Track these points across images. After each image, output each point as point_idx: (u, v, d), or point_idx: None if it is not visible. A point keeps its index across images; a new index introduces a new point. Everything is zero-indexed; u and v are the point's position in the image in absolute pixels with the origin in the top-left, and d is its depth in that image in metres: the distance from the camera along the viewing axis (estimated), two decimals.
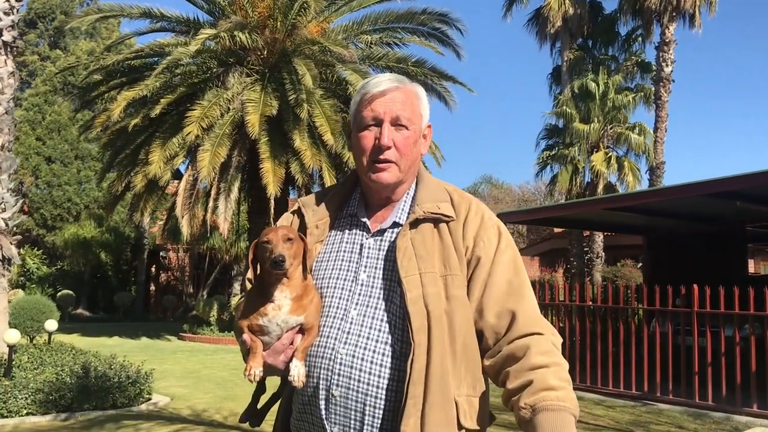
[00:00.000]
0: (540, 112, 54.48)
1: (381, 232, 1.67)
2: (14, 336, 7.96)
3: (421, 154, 1.71)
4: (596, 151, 20.94)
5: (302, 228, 1.73)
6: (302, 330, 1.58)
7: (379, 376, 1.51)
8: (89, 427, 6.90)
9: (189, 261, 27.05)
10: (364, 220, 1.70)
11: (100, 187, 17.55)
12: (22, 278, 23.91)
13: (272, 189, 13.09)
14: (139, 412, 7.76)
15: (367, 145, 1.62)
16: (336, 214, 1.76)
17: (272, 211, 13.88)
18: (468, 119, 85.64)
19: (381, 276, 1.61)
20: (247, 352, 1.58)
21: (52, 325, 10.54)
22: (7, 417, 7.01)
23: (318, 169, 14.15)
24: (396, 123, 1.62)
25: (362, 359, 1.53)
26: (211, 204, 14.10)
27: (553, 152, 21.72)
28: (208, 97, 13.69)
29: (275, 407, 1.81)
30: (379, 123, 1.61)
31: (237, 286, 24.36)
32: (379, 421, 1.51)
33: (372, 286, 1.60)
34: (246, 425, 1.78)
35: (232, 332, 12.33)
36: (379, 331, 1.55)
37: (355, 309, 1.59)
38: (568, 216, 11.59)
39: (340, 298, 1.62)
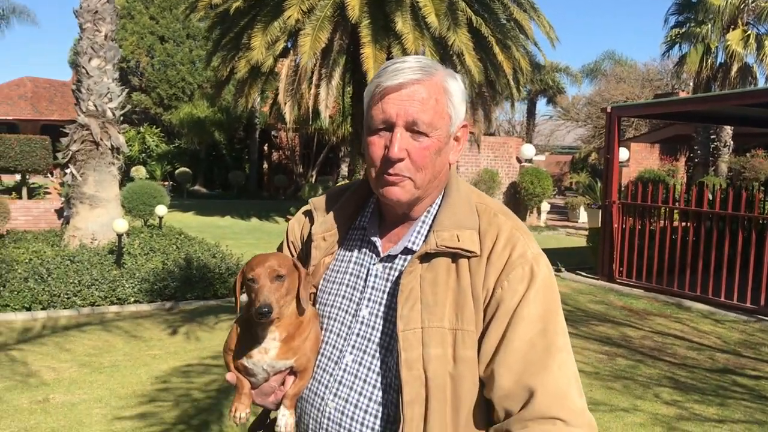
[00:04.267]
0: None
1: (391, 258, 1.35)
2: (122, 226, 8.32)
3: (450, 163, 1.34)
4: (733, 29, 18.83)
5: (311, 235, 1.45)
6: (294, 371, 1.34)
7: None
8: (190, 317, 7.21)
9: (298, 141, 27.44)
10: (375, 239, 1.38)
11: (209, 67, 17.71)
12: (143, 155, 25.15)
13: (372, 76, 12.68)
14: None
15: (375, 154, 1.28)
16: (348, 224, 1.45)
17: None
18: None
19: (383, 316, 1.31)
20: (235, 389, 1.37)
21: (162, 210, 11.01)
22: (115, 304, 7.43)
23: (421, 54, 13.51)
24: (412, 128, 1.25)
25: (352, 419, 1.28)
26: (313, 90, 13.90)
27: (684, 30, 19.75)
28: None
29: None
30: (390, 127, 1.26)
31: (345, 168, 24.60)
32: None
33: (372, 328, 1.32)
34: None
35: None
36: (374, 387, 1.28)
37: (350, 354, 1.32)
38: (688, 111, 10.55)
39: (337, 336, 1.36)
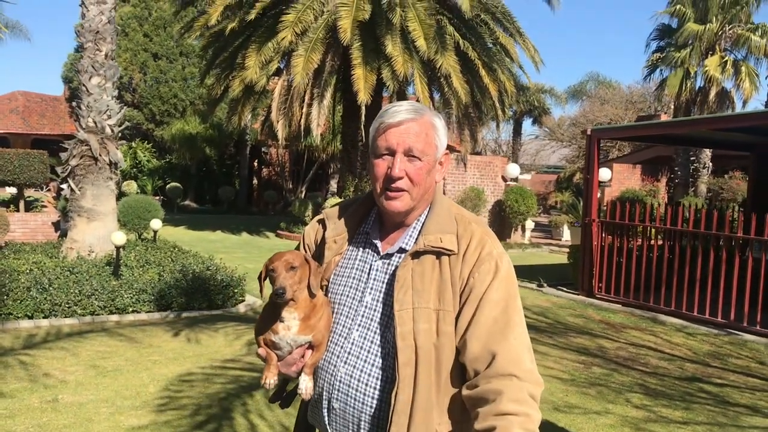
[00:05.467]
0: (653, 11, 50.52)
1: (389, 256, 1.73)
2: (121, 238, 8.62)
3: (436, 182, 1.74)
4: (711, 55, 19.49)
5: (324, 239, 1.83)
6: (312, 346, 1.71)
7: (372, 398, 1.63)
8: (187, 325, 7.52)
9: (288, 157, 27.83)
10: (376, 241, 1.77)
11: (203, 84, 18.13)
12: (134, 170, 25.43)
13: (363, 96, 13.11)
14: (231, 314, 8.34)
15: (380, 173, 1.67)
16: (355, 229, 1.83)
17: (363, 117, 13.96)
18: (574, 19, 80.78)
19: (383, 300, 1.68)
20: (264, 361, 1.73)
21: (156, 224, 11.30)
22: (114, 313, 7.74)
23: (410, 76, 13.96)
24: (409, 154, 1.65)
25: (358, 380, 1.65)
26: (305, 109, 14.31)
27: (664, 54, 20.40)
28: (302, 1, 13.61)
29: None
30: (392, 153, 1.65)
31: (334, 184, 24.96)
32: None
33: (374, 310, 1.69)
34: None
35: None
36: (375, 356, 1.65)
37: (357, 330, 1.70)
38: (666, 134, 11.03)
39: (346, 317, 1.73)
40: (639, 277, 9.87)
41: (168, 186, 24.59)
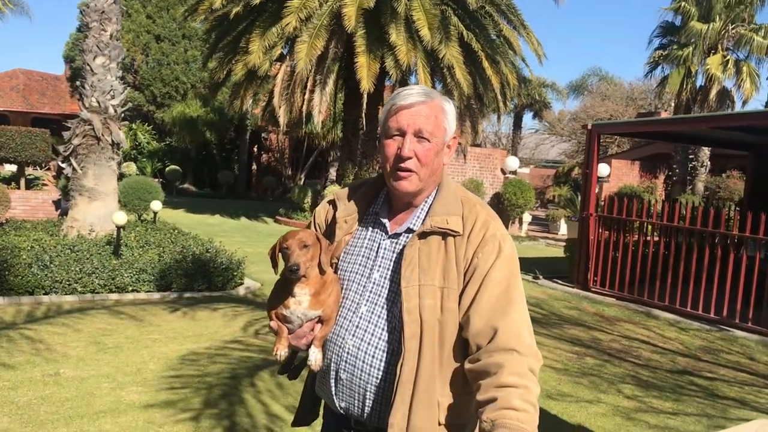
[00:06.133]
0: (657, 7, 50.37)
1: (397, 236, 1.81)
2: (122, 218, 8.68)
3: (443, 164, 1.80)
4: (713, 54, 19.54)
5: (334, 219, 1.90)
6: (321, 320, 1.78)
7: (378, 369, 1.71)
8: (187, 306, 7.60)
9: (288, 144, 27.84)
10: (384, 221, 1.84)
11: (205, 68, 18.13)
12: (134, 151, 25.44)
13: (366, 84, 13.15)
14: (231, 296, 8.42)
15: (390, 153, 1.73)
16: (364, 210, 1.90)
17: (365, 105, 14.00)
18: (578, 13, 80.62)
19: (390, 278, 1.76)
20: (275, 335, 1.81)
21: (157, 205, 11.36)
22: (114, 292, 7.82)
23: (413, 65, 13.99)
24: (418, 135, 1.71)
25: (365, 353, 1.73)
26: (307, 96, 14.34)
27: (666, 52, 20.44)
28: None
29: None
30: (402, 134, 1.72)
31: (333, 172, 25.00)
32: (379, 407, 1.72)
33: (382, 286, 1.77)
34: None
35: None
36: (382, 330, 1.73)
37: (365, 305, 1.77)
38: (666, 131, 11.11)
39: (354, 292, 1.80)
40: (634, 272, 9.97)
41: (167, 169, 24.60)
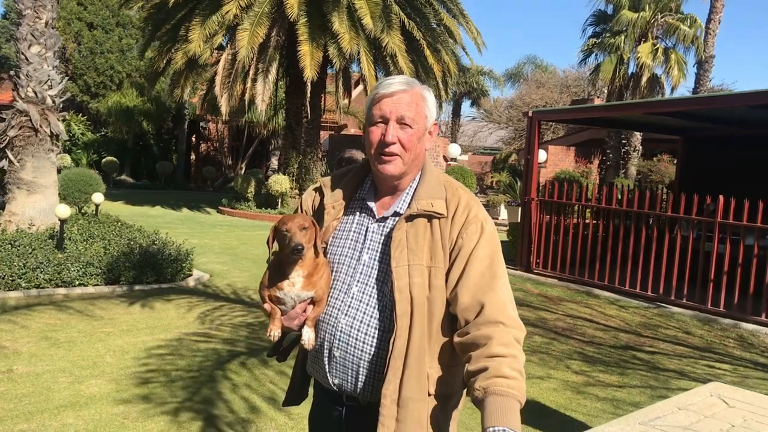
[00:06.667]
0: None
1: (384, 219, 1.90)
2: (65, 211, 8.50)
3: (425, 149, 1.91)
4: (643, 42, 20.24)
5: (321, 205, 1.99)
6: (313, 301, 1.87)
7: (371, 346, 1.81)
8: (138, 298, 7.52)
9: (228, 133, 27.48)
10: (371, 205, 1.93)
11: (142, 57, 17.71)
12: (67, 143, 24.67)
13: (309, 73, 13.14)
14: (181, 287, 8.36)
15: (374, 139, 1.83)
16: (351, 196, 1.99)
17: (309, 93, 13.98)
18: (515, 2, 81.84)
19: (379, 259, 1.86)
20: (268, 316, 1.88)
21: (98, 198, 11.13)
22: (61, 286, 7.66)
23: (356, 54, 14.04)
24: (401, 122, 1.81)
25: (358, 330, 1.82)
26: (249, 84, 14.23)
27: (599, 40, 21.06)
28: None
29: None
30: (386, 121, 1.81)
31: (275, 161, 24.83)
32: (371, 381, 1.82)
33: (372, 267, 1.86)
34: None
35: (269, 209, 12.88)
36: (374, 308, 1.82)
37: (356, 286, 1.86)
38: (603, 117, 11.51)
39: (345, 274, 1.89)
40: (575, 254, 10.34)
41: (104, 160, 23.98)
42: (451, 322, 1.81)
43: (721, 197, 8.49)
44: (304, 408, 2.21)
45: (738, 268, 8.36)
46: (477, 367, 1.66)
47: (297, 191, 16.74)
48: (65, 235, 8.89)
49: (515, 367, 1.66)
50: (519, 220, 11.77)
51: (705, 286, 8.67)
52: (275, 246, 1.89)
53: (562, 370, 5.85)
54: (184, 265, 8.81)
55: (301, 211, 2.09)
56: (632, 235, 9.52)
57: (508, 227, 12.81)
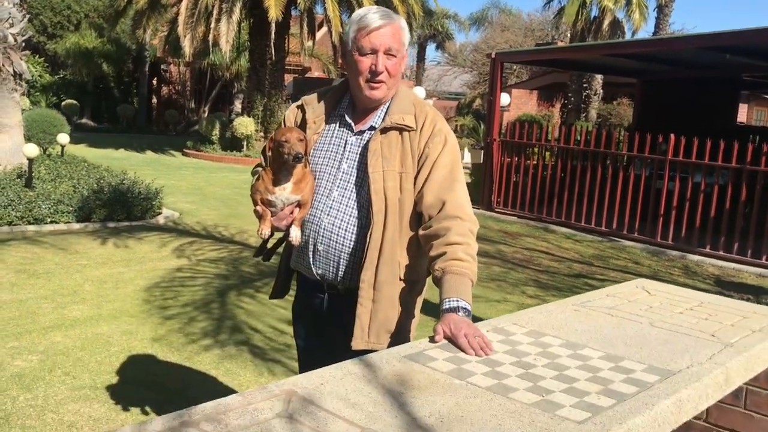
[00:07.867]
0: None
1: (361, 133, 2.18)
2: (33, 150, 8.57)
3: (401, 72, 2.19)
4: None
5: (303, 120, 2.24)
6: (300, 204, 2.15)
7: (350, 240, 2.12)
8: (110, 234, 7.71)
9: (190, 76, 27.12)
10: (350, 121, 2.20)
11: None
12: (25, 85, 24.12)
13: (273, 13, 13.12)
14: (151, 224, 8.55)
15: (364, 68, 2.08)
16: (330, 112, 2.25)
17: (273, 34, 13.96)
18: None
19: (357, 167, 2.14)
20: (259, 218, 2.16)
21: (64, 138, 11.15)
22: (32, 224, 7.80)
23: None
24: (388, 53, 2.07)
25: (339, 227, 2.12)
26: (213, 24, 14.12)
27: None
28: None
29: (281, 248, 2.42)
30: (375, 52, 2.07)
31: (238, 104, 24.68)
32: (350, 270, 2.14)
33: (350, 174, 2.15)
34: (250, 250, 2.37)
35: (234, 151, 12.97)
36: (353, 208, 2.12)
37: (336, 190, 2.15)
38: (565, 59, 11.80)
39: (326, 180, 2.18)
40: (534, 193, 10.75)
41: (63, 103, 23.57)
42: (417, 220, 2.11)
43: (672, 136, 8.91)
44: (288, 299, 2.50)
45: (686, 204, 8.85)
46: (437, 253, 1.98)
47: (262, 134, 16.81)
48: (34, 174, 8.97)
49: (468, 253, 1.98)
50: (481, 162, 12.11)
51: (655, 221, 9.17)
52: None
53: (517, 295, 6.27)
54: (153, 203, 8.98)
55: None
56: (589, 174, 9.93)
57: (470, 169, 13.15)
